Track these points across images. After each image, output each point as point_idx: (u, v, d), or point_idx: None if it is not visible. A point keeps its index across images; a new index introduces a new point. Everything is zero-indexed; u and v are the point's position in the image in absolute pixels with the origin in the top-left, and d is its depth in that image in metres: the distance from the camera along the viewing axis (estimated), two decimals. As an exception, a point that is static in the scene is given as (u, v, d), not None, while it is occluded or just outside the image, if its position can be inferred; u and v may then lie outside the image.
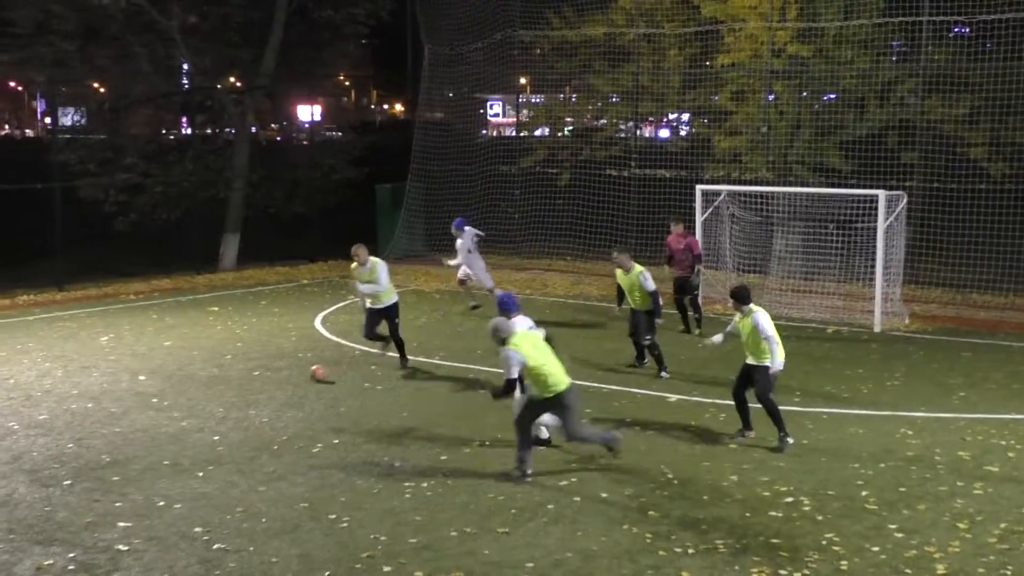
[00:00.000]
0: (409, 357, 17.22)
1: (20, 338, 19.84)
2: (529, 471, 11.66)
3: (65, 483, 11.71)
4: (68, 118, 33.22)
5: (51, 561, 9.57)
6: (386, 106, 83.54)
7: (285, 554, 9.65)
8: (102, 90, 33.87)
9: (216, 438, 13.29)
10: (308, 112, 36.23)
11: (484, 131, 39.75)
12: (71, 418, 14.30)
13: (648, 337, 16.55)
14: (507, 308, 12.75)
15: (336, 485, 11.50)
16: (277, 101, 38.64)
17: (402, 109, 66.56)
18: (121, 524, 10.44)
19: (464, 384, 16.10)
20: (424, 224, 31.45)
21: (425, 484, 11.48)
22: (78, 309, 23.36)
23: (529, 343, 11.84)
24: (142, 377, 16.60)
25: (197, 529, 10.30)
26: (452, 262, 22.36)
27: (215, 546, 9.87)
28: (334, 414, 14.42)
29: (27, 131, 65.79)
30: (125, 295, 25.43)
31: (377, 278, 16.86)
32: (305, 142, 35.89)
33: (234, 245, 30.54)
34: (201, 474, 11.94)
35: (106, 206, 29.00)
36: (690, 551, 9.70)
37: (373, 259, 17.07)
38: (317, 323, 21.28)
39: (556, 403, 11.79)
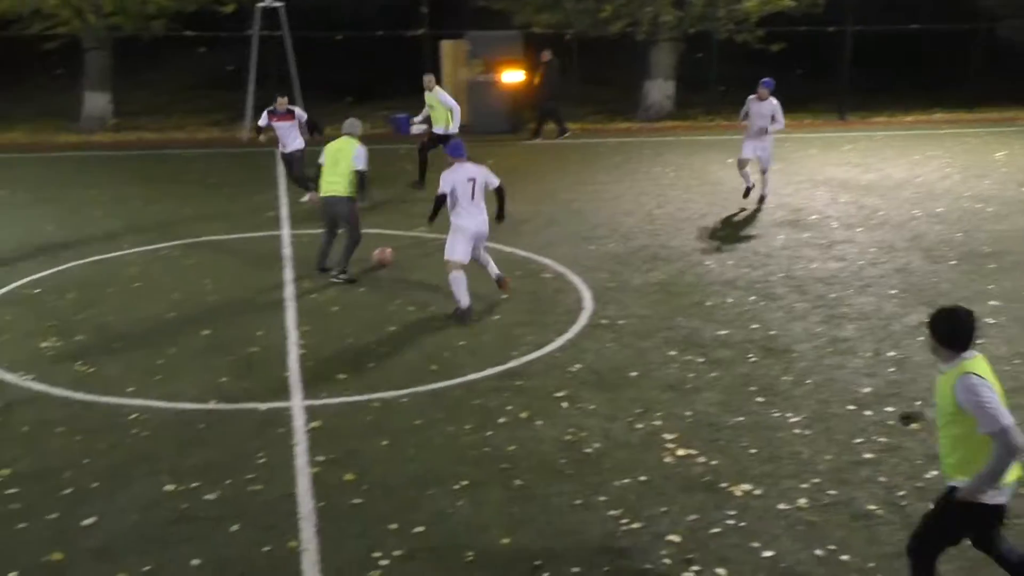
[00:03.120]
0: None
1: (930, 147, 19.56)
2: None
3: (950, 263, 11.55)
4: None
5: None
6: None
7: None
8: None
9: (1084, 248, 12.13)
10: None
11: None
12: (962, 213, 13.92)
13: None
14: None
15: None
16: None
17: None
18: (991, 302, 10.04)
19: None
20: None
21: None
22: (979, 128, 22.27)
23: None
24: (1026, 189, 15.58)
25: (1055, 318, 9.61)
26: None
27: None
28: None
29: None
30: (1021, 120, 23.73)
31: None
32: None
33: None
34: (1064, 275, 11.03)
35: (1020, 48, 26.95)
36: None
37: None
38: None
39: None
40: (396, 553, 5.66)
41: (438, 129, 15.54)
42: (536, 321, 9.57)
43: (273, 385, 8.01)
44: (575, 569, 5.52)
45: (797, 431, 7.22)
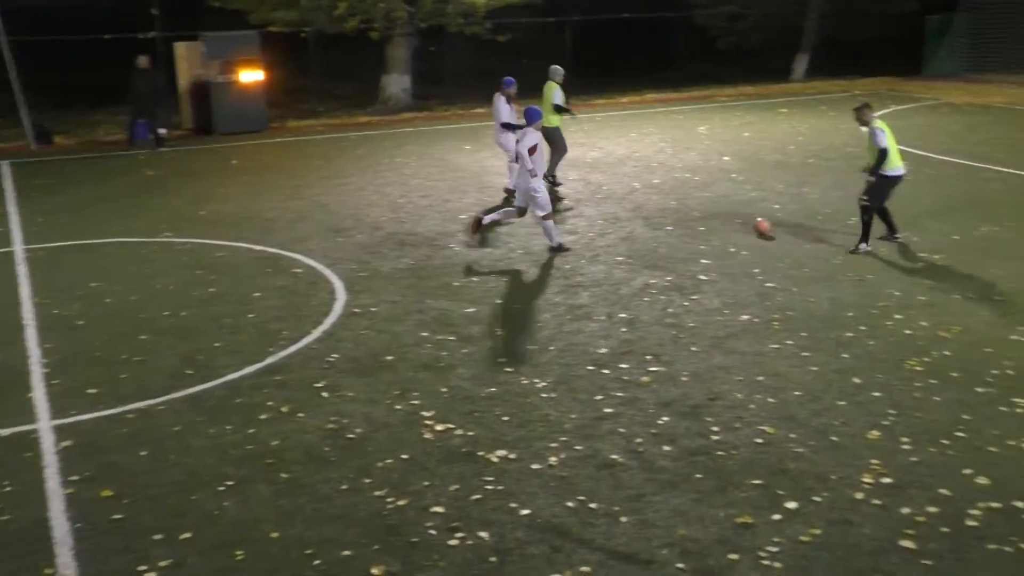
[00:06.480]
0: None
1: (644, 125, 20.65)
2: None
3: (667, 228, 12.24)
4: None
5: (654, 280, 10.15)
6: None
7: (819, 296, 9.50)
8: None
9: (776, 206, 13.14)
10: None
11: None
12: (675, 183, 14.79)
13: None
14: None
15: (864, 251, 11.04)
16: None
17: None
18: (703, 261, 10.78)
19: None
20: (966, 49, 28.47)
21: (936, 257, 10.74)
22: (684, 106, 23.79)
23: None
24: (726, 158, 16.71)
25: (756, 270, 10.36)
26: None
27: (767, 284, 9.91)
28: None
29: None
30: (719, 97, 25.47)
31: None
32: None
33: (804, 61, 29.23)
34: (763, 232, 11.93)
35: (713, 31, 29.07)
36: None
37: None
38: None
39: None
40: (163, 564, 5.35)
41: None
42: (291, 315, 9.33)
43: (17, 408, 7.37)
44: (346, 552, 5.44)
45: (544, 395, 7.43)
